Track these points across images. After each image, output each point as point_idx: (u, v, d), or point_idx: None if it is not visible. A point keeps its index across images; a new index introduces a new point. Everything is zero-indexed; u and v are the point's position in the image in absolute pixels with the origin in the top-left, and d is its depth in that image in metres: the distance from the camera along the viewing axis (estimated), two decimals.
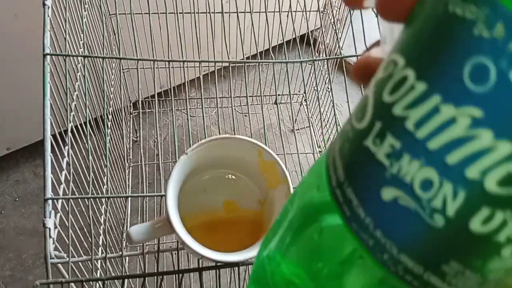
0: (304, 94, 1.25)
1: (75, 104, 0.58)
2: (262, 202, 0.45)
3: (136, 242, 0.39)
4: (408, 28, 0.13)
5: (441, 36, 0.11)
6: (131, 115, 1.13)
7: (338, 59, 1.07)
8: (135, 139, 1.15)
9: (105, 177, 0.57)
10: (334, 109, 0.93)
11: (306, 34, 0.85)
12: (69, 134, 0.50)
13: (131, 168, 1.06)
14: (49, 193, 0.44)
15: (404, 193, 0.12)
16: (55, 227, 0.43)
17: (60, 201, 0.46)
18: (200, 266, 0.43)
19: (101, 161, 0.76)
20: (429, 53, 0.12)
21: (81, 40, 0.63)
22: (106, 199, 0.50)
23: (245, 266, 0.42)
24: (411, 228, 0.12)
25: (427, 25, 0.12)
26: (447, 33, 0.11)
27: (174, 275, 0.60)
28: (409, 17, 0.13)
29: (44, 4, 0.52)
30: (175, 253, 0.50)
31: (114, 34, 0.95)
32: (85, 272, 0.47)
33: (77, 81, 0.60)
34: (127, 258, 0.89)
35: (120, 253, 0.47)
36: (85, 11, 0.59)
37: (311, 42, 0.69)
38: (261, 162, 0.42)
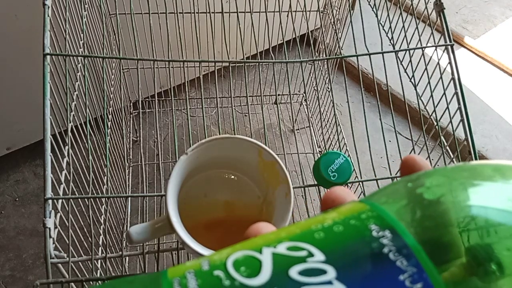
0: (304, 94, 1.25)
1: (75, 104, 0.58)
2: (262, 202, 0.45)
3: (136, 242, 0.39)
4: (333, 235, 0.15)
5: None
6: (131, 115, 1.13)
7: (338, 59, 1.08)
8: (135, 139, 1.15)
9: (105, 177, 0.57)
10: (334, 109, 0.93)
11: (306, 34, 0.85)
12: (69, 134, 0.50)
13: (131, 168, 1.06)
14: (49, 193, 0.44)
15: None
16: (55, 227, 0.43)
17: (60, 201, 0.46)
18: None
19: (101, 161, 0.76)
20: (357, 269, 0.14)
21: (81, 40, 0.63)
22: (106, 199, 0.50)
23: None
24: None
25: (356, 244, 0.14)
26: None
27: None
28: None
29: (44, 4, 0.52)
30: (175, 253, 0.50)
31: (114, 34, 0.95)
32: (85, 272, 0.47)
33: (77, 81, 0.60)
34: (127, 258, 0.89)
35: (120, 253, 0.47)
36: (85, 11, 0.59)
37: (311, 42, 0.69)
38: (261, 162, 0.42)
